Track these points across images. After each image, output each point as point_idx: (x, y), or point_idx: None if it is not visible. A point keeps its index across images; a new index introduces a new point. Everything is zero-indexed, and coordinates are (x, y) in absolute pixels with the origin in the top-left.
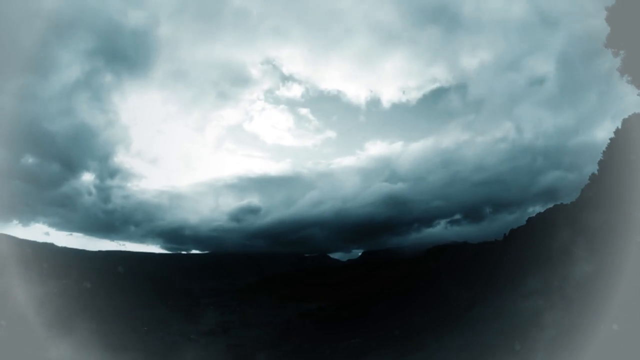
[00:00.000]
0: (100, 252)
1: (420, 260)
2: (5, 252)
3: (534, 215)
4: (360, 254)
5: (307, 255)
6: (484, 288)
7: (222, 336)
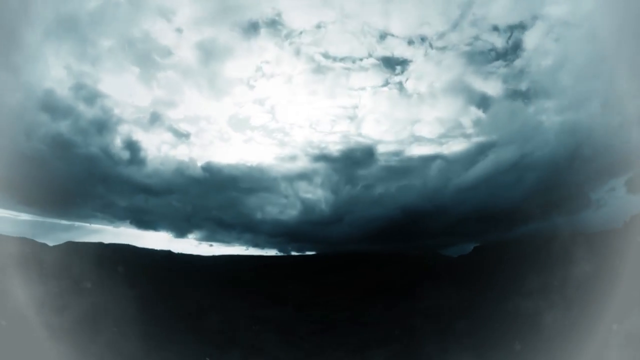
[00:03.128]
0: (222, 256)
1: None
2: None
3: None
4: (472, 248)
5: (416, 252)
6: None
7: (332, 334)
